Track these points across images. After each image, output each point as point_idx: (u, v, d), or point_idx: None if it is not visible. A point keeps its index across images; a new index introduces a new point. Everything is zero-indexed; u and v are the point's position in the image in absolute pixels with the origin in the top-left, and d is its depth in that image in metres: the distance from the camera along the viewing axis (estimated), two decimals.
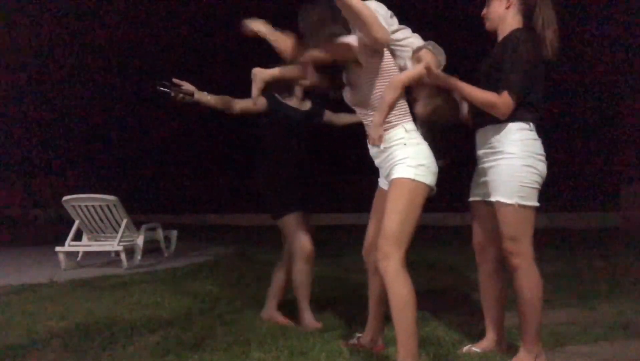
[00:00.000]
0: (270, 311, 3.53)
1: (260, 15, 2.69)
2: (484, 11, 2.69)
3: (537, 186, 2.49)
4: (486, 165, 2.58)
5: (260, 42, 2.67)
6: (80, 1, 15.92)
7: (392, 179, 2.44)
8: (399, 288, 2.33)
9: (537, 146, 2.50)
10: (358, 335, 2.92)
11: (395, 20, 2.58)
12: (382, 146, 2.47)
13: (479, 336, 2.90)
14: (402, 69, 2.57)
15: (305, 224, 3.38)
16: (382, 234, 2.40)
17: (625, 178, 9.98)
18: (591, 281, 4.66)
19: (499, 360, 2.66)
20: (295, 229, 3.34)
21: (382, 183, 2.69)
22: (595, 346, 2.87)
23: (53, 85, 17.79)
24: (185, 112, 16.93)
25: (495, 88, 2.48)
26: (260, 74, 2.76)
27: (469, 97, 2.54)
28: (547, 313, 3.52)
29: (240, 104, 3.35)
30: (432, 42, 2.61)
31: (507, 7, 2.61)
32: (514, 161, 2.46)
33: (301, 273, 3.36)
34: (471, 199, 2.75)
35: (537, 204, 2.49)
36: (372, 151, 2.59)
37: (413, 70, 2.52)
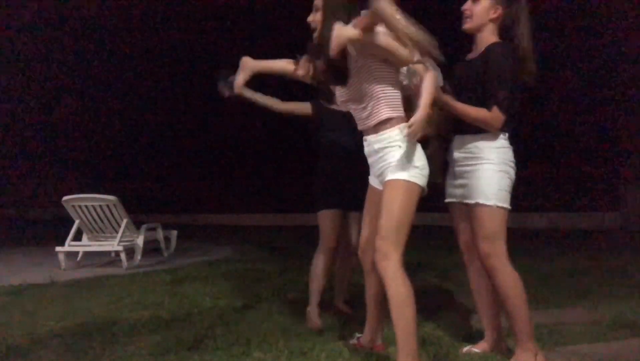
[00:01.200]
0: (337, 301, 3.77)
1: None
2: (467, 6, 2.67)
3: (510, 190, 2.60)
4: (463, 169, 2.66)
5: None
6: (82, 4, 15.93)
7: (387, 180, 2.46)
8: (398, 287, 2.35)
9: (510, 154, 2.63)
10: (358, 335, 2.92)
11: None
12: (376, 146, 2.50)
13: (479, 336, 2.90)
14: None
15: (340, 221, 3.53)
16: (379, 235, 2.42)
17: (625, 178, 9.98)
18: (591, 281, 4.66)
19: None
20: (326, 225, 3.49)
21: (373, 180, 2.70)
22: (595, 346, 2.87)
23: (53, 85, 17.80)
24: (185, 113, 16.97)
25: (481, 101, 2.56)
26: (249, 64, 2.72)
27: (461, 114, 2.60)
28: (547, 313, 3.54)
29: (285, 106, 3.53)
30: (429, 60, 2.62)
31: (492, 19, 2.64)
32: (493, 166, 2.57)
33: (320, 265, 3.48)
34: (448, 200, 2.77)
35: (510, 207, 2.60)
36: (367, 149, 2.60)
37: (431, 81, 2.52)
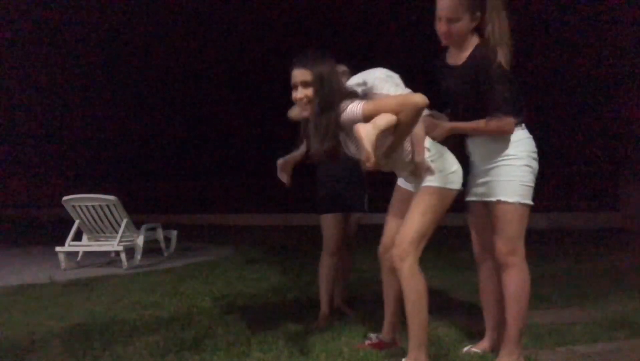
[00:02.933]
0: (336, 301, 3.76)
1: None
2: (444, 28, 2.52)
3: (533, 184, 2.57)
4: (484, 167, 2.61)
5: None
6: (82, 5, 15.93)
7: (424, 185, 2.52)
8: (415, 284, 2.47)
9: (531, 144, 2.58)
10: (371, 335, 2.92)
11: (401, 81, 2.62)
12: (411, 169, 2.56)
13: (479, 336, 2.91)
14: None
15: (343, 224, 3.55)
16: (402, 234, 2.49)
17: (625, 178, 9.97)
18: (591, 281, 4.66)
19: None
20: (327, 228, 3.54)
21: (403, 183, 2.75)
22: (595, 346, 2.87)
23: (53, 85, 17.79)
24: (185, 113, 16.96)
25: (480, 107, 2.52)
26: (286, 165, 3.12)
27: (476, 132, 2.59)
28: (547, 313, 3.54)
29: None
30: (433, 111, 2.68)
31: (474, 28, 2.53)
32: (514, 161, 2.53)
33: (325, 267, 3.54)
34: (469, 199, 2.75)
35: (532, 203, 2.57)
36: (403, 176, 2.67)
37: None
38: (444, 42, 2.60)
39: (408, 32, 10.54)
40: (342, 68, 3.44)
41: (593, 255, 6.27)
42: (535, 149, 2.58)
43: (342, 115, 2.42)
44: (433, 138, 2.58)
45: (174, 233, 7.45)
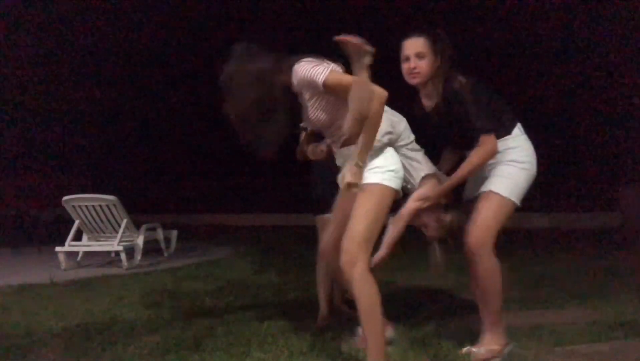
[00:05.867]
0: (336, 301, 3.74)
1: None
2: (412, 64, 2.65)
3: (526, 187, 2.64)
4: (483, 172, 2.67)
5: None
6: (84, 5, 15.93)
7: (361, 185, 2.45)
8: (367, 289, 2.35)
9: (530, 149, 2.67)
10: (359, 328, 2.92)
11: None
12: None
13: (479, 336, 2.90)
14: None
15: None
16: (349, 238, 2.40)
17: (625, 178, 9.98)
18: (591, 281, 4.66)
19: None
20: (323, 230, 3.47)
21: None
22: (595, 346, 2.87)
23: (54, 85, 17.80)
24: (185, 113, 16.97)
25: (470, 134, 2.58)
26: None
27: (472, 173, 2.65)
28: (547, 313, 3.55)
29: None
30: (439, 172, 2.76)
31: (435, 70, 2.65)
32: (514, 164, 2.62)
33: (322, 268, 3.53)
34: (467, 198, 2.81)
35: (519, 204, 2.63)
36: (339, 161, 2.61)
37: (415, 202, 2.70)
38: (411, 81, 2.70)
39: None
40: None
41: (593, 255, 6.26)
42: (533, 153, 2.66)
43: (299, 71, 2.38)
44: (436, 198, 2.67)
45: (174, 233, 7.45)
